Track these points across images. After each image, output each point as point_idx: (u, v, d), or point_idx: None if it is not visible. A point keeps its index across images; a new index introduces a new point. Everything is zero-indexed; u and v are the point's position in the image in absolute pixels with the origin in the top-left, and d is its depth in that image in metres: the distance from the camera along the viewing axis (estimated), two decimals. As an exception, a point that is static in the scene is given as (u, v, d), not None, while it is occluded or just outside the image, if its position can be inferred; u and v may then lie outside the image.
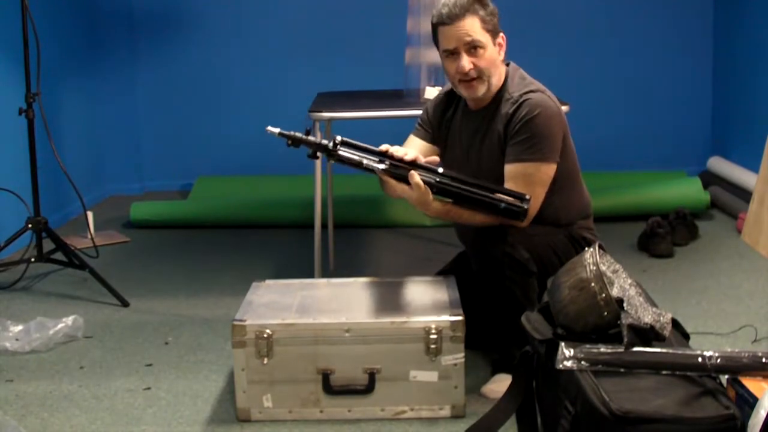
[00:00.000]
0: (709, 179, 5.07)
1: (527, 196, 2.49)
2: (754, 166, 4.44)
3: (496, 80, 2.66)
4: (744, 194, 4.57)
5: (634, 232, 4.25)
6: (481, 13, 2.59)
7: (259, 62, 5.56)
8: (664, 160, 5.48)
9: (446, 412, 2.48)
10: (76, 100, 5.20)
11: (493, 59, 2.62)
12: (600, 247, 2.12)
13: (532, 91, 2.62)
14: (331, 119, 3.45)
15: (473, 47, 2.59)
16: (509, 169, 2.59)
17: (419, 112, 3.40)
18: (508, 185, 2.56)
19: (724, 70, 5.39)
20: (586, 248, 2.11)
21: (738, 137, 5.18)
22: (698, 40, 5.49)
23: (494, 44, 2.63)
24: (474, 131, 2.72)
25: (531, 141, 2.56)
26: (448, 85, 2.85)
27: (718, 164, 5.16)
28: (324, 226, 3.90)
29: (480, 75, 2.61)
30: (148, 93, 5.62)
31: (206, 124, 5.65)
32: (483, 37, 2.59)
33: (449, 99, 2.85)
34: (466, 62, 2.59)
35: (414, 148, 2.74)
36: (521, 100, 2.61)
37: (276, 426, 2.48)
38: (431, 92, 3.49)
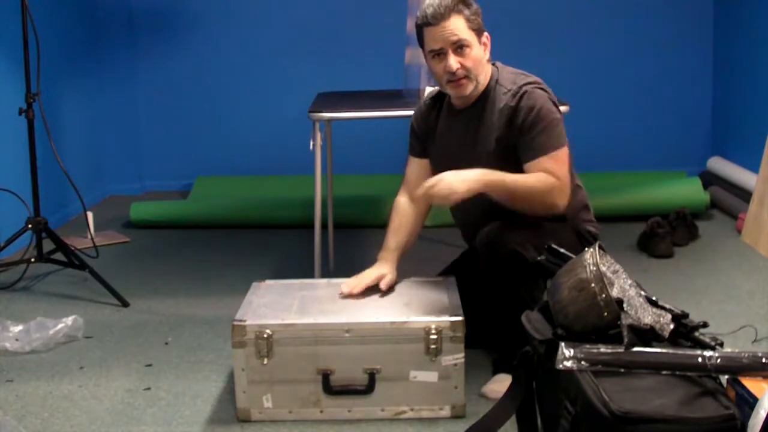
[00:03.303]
0: (709, 179, 5.07)
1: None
2: (754, 167, 4.43)
3: (483, 78, 2.67)
4: (744, 194, 4.57)
5: (634, 232, 4.25)
6: (466, 12, 2.60)
7: (259, 62, 5.55)
8: (664, 160, 5.48)
9: (446, 412, 2.48)
10: (76, 100, 5.20)
11: (479, 58, 2.64)
12: (600, 247, 2.12)
13: (529, 83, 2.63)
14: (331, 119, 3.45)
15: (460, 47, 2.60)
16: (537, 162, 2.57)
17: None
18: (537, 176, 2.54)
19: (724, 71, 5.38)
20: (586, 248, 2.11)
21: (738, 137, 5.18)
22: (698, 40, 5.49)
23: (480, 43, 2.64)
24: (464, 129, 2.73)
25: (549, 130, 2.57)
26: (429, 93, 2.87)
27: (718, 164, 5.16)
28: (324, 226, 3.90)
29: (468, 74, 2.62)
30: (148, 93, 5.62)
31: (206, 124, 5.64)
32: (469, 36, 2.60)
33: (432, 104, 2.86)
34: (453, 61, 2.60)
35: (420, 171, 2.81)
36: (521, 92, 2.61)
37: (276, 426, 2.48)
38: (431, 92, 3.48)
